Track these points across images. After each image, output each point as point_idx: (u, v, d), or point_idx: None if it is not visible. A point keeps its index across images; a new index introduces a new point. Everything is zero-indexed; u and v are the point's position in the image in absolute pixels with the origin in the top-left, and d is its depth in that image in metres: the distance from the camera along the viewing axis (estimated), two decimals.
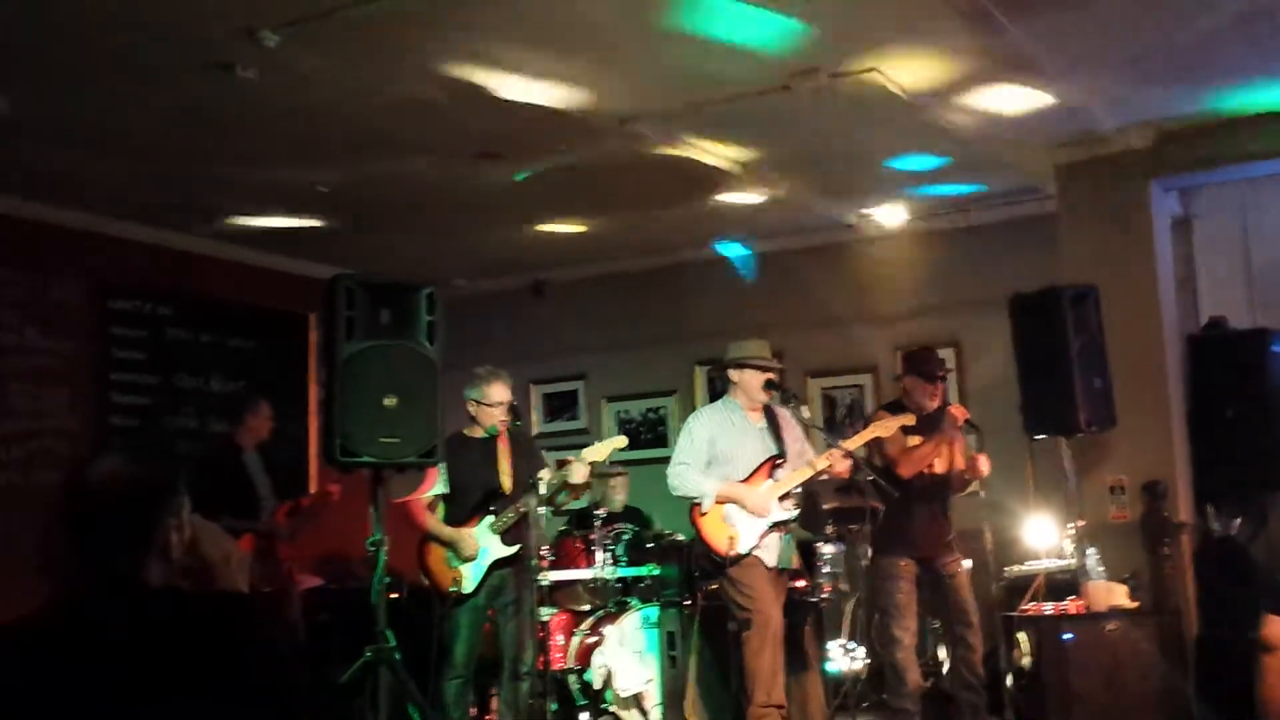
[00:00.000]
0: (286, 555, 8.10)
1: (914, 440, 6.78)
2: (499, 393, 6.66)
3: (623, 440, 6.94)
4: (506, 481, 6.67)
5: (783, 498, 6.44)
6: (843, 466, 6.42)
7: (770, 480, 6.46)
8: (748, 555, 6.34)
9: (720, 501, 6.39)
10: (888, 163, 8.18)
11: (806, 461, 6.50)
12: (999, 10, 5.84)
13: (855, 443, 6.55)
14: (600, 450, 6.77)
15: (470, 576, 6.47)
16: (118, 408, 8.78)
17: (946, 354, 9.20)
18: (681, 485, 6.48)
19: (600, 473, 8.23)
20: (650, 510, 8.65)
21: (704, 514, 6.44)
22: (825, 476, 6.62)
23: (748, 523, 6.36)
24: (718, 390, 7.11)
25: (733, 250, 9.91)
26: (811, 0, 5.68)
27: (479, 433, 6.60)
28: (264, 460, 8.29)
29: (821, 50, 6.26)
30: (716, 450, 6.51)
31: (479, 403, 6.60)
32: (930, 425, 6.85)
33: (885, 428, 6.59)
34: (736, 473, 6.48)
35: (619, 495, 8.79)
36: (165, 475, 2.44)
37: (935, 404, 6.97)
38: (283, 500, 8.25)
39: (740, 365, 6.64)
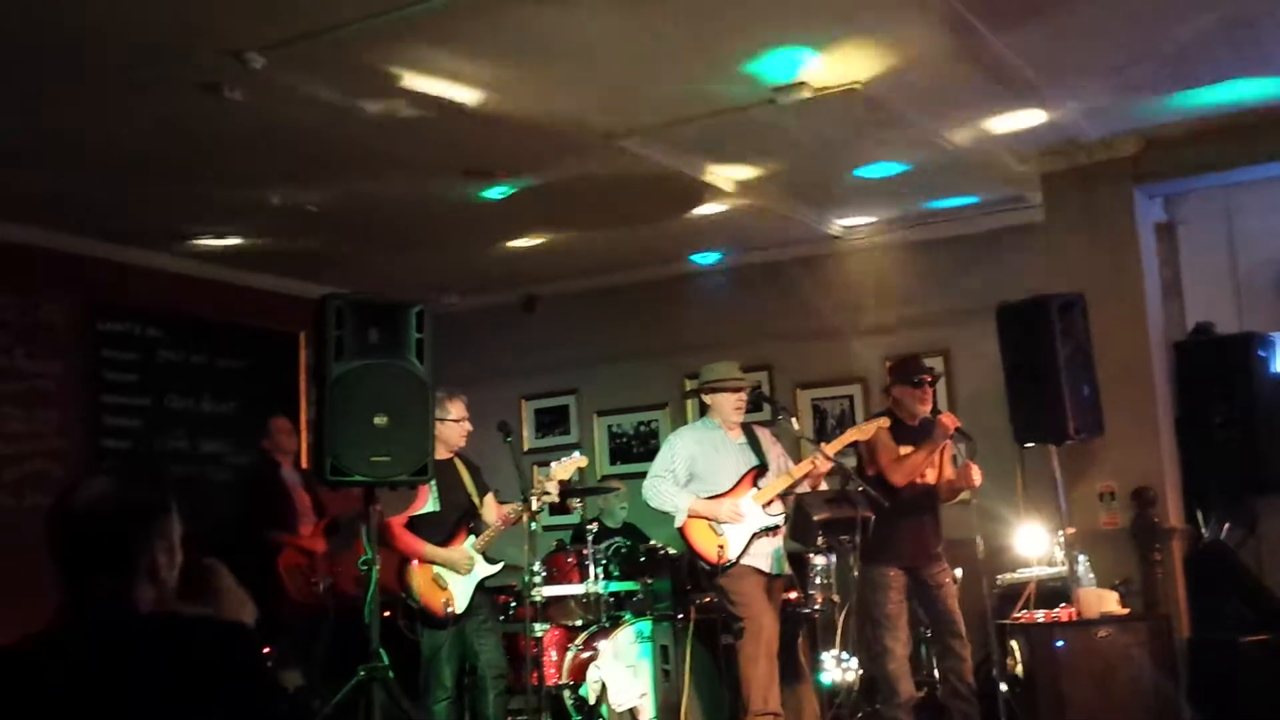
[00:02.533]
0: (323, 571, 8.09)
1: (906, 449, 6.80)
2: (458, 409, 6.69)
3: (584, 460, 7.00)
4: (477, 501, 6.69)
5: (767, 503, 6.50)
6: (824, 469, 6.48)
7: (754, 489, 6.54)
8: (738, 562, 6.40)
9: (693, 517, 6.47)
10: (873, 174, 8.21)
11: (786, 471, 6.57)
12: (982, 22, 5.88)
13: (835, 447, 6.59)
14: (565, 468, 6.80)
15: (461, 597, 6.48)
16: (109, 430, 8.78)
17: (935, 363, 9.22)
18: (656, 498, 6.60)
19: (593, 488, 8.24)
20: (645, 524, 8.66)
21: (678, 527, 6.52)
22: (809, 486, 6.67)
23: (735, 530, 6.44)
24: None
25: None
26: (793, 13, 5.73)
27: (442, 453, 6.54)
28: (304, 477, 8.32)
29: (804, 63, 6.29)
30: (698, 468, 6.62)
31: (441, 420, 6.57)
32: (923, 432, 6.87)
33: (863, 431, 6.65)
34: (719, 488, 6.56)
35: (618, 509, 8.81)
36: (151, 496, 2.42)
37: (926, 409, 7.00)
38: (322, 517, 8.28)
39: (713, 390, 6.72)
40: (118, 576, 2.32)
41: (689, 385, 7.13)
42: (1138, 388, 7.68)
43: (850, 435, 6.66)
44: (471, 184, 7.85)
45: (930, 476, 6.92)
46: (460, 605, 6.44)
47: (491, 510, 6.73)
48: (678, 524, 6.56)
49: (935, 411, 7.07)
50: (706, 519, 6.50)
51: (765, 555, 6.53)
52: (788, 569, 6.76)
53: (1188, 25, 6.12)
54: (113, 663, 2.21)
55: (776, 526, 6.59)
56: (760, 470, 6.64)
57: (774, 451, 6.80)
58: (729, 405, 6.71)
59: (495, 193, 8.07)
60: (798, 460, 6.88)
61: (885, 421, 6.74)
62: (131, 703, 2.16)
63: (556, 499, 6.84)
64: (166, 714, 2.17)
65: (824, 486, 7.01)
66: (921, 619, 7.26)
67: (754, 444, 6.74)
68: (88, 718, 2.15)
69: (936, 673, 7.28)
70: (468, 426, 6.75)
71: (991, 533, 7.73)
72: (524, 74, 6.25)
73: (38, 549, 2.39)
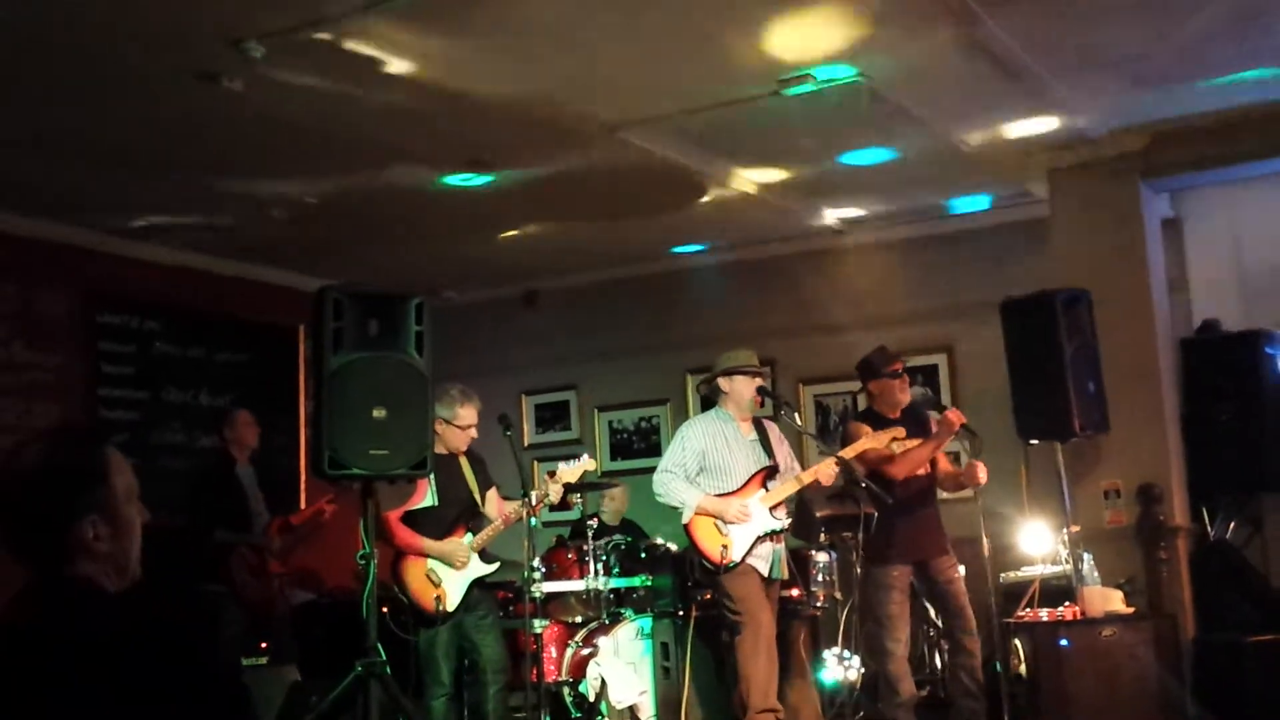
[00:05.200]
0: (278, 570, 8.06)
1: (910, 443, 6.72)
2: (470, 415, 6.61)
3: (591, 464, 6.94)
4: (479, 497, 6.63)
5: (774, 507, 6.45)
6: (831, 476, 6.42)
7: (763, 491, 6.47)
8: (741, 564, 6.35)
9: (699, 514, 6.41)
10: (877, 167, 8.16)
11: (794, 476, 6.51)
12: (987, 14, 5.82)
13: (850, 453, 6.51)
14: (572, 471, 6.75)
15: (453, 594, 6.42)
16: (107, 422, 8.71)
17: (939, 359, 9.22)
18: (665, 492, 6.53)
19: (592, 484, 8.20)
20: (645, 520, 8.62)
21: (684, 523, 6.48)
22: (817, 484, 6.62)
23: (740, 531, 6.38)
24: (709, 402, 7.09)
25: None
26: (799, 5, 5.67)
27: (441, 450, 6.48)
28: (258, 474, 8.25)
29: (810, 55, 6.24)
30: (708, 462, 6.54)
31: (449, 423, 6.51)
32: (906, 423, 6.80)
33: (878, 439, 6.55)
34: (729, 484, 6.49)
35: (618, 507, 8.76)
36: (82, 462, 2.29)
37: (907, 398, 6.95)
38: (276, 515, 8.22)
39: (730, 373, 6.64)
40: (50, 551, 2.22)
41: (703, 375, 7.02)
42: (1143, 385, 7.63)
43: (864, 444, 6.58)
44: (472, 174, 7.79)
45: (923, 469, 6.86)
46: (452, 603, 6.38)
47: (493, 506, 6.67)
48: (684, 520, 6.50)
49: (942, 407, 7.01)
50: (713, 516, 6.43)
51: (764, 558, 6.48)
52: (784, 574, 6.70)
53: (1196, 18, 6.07)
54: (52, 644, 2.12)
55: (780, 531, 6.53)
56: (770, 471, 6.57)
57: (781, 450, 6.74)
58: (747, 391, 6.63)
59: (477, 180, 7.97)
60: (802, 457, 6.81)
61: (901, 432, 6.63)
62: (70, 684, 2.08)
63: (556, 501, 6.80)
64: (105, 696, 2.08)
65: None
66: (927, 618, 7.21)
67: (764, 441, 6.68)
68: (35, 698, 2.07)
69: (939, 671, 7.24)
70: (474, 434, 6.67)
71: (995, 531, 7.68)
72: (526, 64, 6.19)
73: None
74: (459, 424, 6.57)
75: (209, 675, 2.22)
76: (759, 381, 6.67)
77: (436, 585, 6.39)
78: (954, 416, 6.73)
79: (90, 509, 2.25)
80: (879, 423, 6.80)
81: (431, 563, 6.44)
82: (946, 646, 7.05)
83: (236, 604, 7.71)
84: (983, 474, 6.77)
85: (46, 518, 2.23)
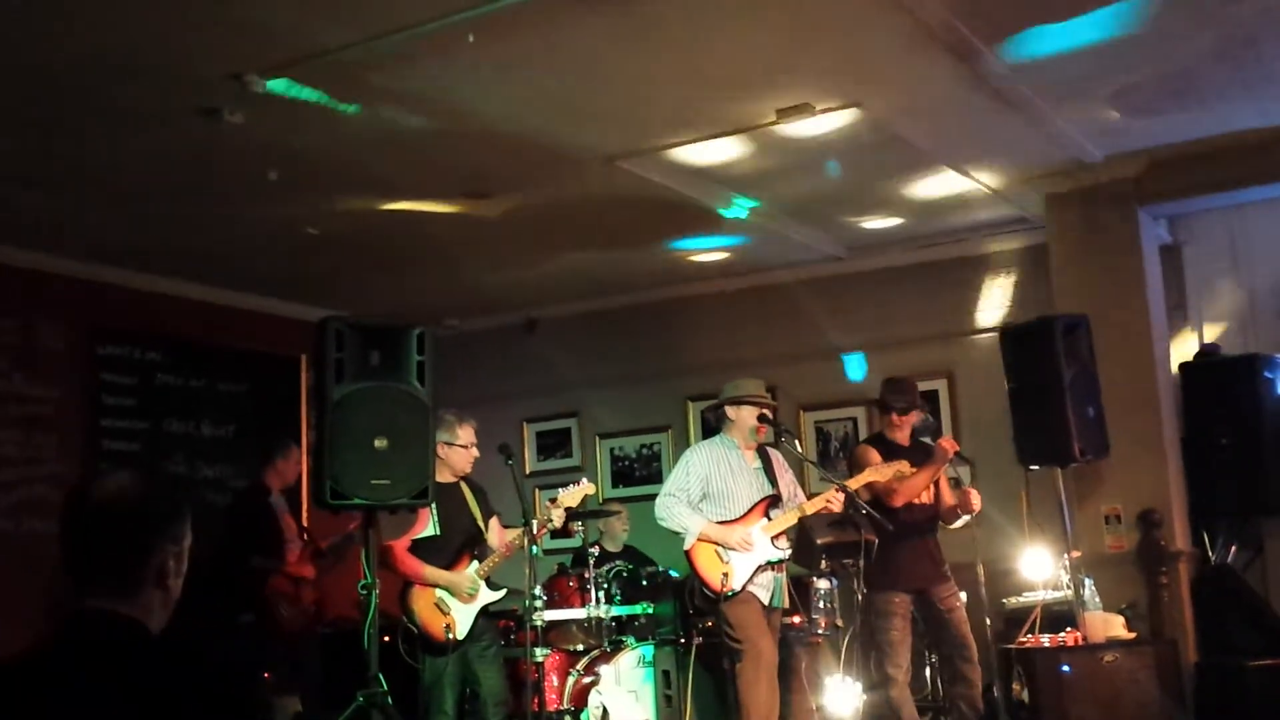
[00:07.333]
0: (311, 597, 8.04)
1: (907, 470, 6.73)
2: (467, 434, 6.64)
3: (591, 487, 6.94)
4: (482, 525, 6.64)
5: (776, 537, 6.45)
6: (836, 506, 6.44)
7: (765, 519, 6.48)
8: (741, 591, 6.35)
9: (702, 540, 6.42)
10: (878, 194, 8.19)
11: (797, 506, 6.52)
12: (984, 43, 5.86)
13: (855, 484, 6.52)
14: (572, 495, 6.76)
15: (463, 622, 6.41)
16: (108, 454, 8.72)
17: (939, 385, 9.22)
18: (668, 517, 6.54)
19: (594, 511, 8.20)
20: (647, 547, 8.62)
21: (685, 550, 6.48)
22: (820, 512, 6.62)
23: (741, 560, 6.39)
24: (711, 427, 7.09)
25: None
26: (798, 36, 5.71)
27: (448, 477, 6.52)
28: (288, 503, 8.27)
29: (808, 85, 6.28)
30: (711, 488, 6.55)
31: (450, 444, 6.54)
32: (915, 453, 6.82)
33: (881, 473, 6.57)
34: (731, 511, 6.50)
35: (620, 533, 8.76)
36: (172, 498, 2.35)
37: (902, 436, 6.97)
38: (306, 543, 8.23)
39: (737, 403, 6.66)
40: (126, 577, 2.24)
41: (709, 403, 7.04)
42: (1143, 409, 7.65)
43: (868, 475, 6.59)
44: (471, 204, 7.82)
45: (927, 498, 6.88)
46: (462, 631, 6.38)
47: (495, 534, 6.68)
48: (686, 546, 6.51)
49: (937, 434, 7.03)
50: (715, 544, 6.44)
51: (765, 587, 6.49)
52: (785, 602, 6.70)
53: (1189, 45, 6.11)
54: (102, 673, 2.13)
55: (782, 560, 6.54)
56: (773, 500, 6.59)
57: (785, 478, 6.75)
58: (751, 421, 6.66)
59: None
60: (804, 483, 6.82)
61: (905, 466, 6.65)
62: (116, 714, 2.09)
63: (559, 525, 6.80)
64: None
65: None
66: (929, 644, 7.21)
67: (768, 469, 6.69)
68: None
69: (939, 699, 7.23)
70: (475, 453, 6.69)
71: (996, 556, 7.68)
72: (524, 95, 6.23)
73: (36, 573, 2.32)
74: (460, 443, 6.59)
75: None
76: (761, 411, 6.68)
77: (446, 614, 6.37)
78: (947, 444, 6.76)
79: (174, 541, 2.31)
80: (887, 448, 6.81)
81: (439, 591, 6.44)
82: (945, 677, 7.03)
83: (266, 634, 7.67)
84: (976, 501, 6.78)
85: (140, 539, 2.26)
